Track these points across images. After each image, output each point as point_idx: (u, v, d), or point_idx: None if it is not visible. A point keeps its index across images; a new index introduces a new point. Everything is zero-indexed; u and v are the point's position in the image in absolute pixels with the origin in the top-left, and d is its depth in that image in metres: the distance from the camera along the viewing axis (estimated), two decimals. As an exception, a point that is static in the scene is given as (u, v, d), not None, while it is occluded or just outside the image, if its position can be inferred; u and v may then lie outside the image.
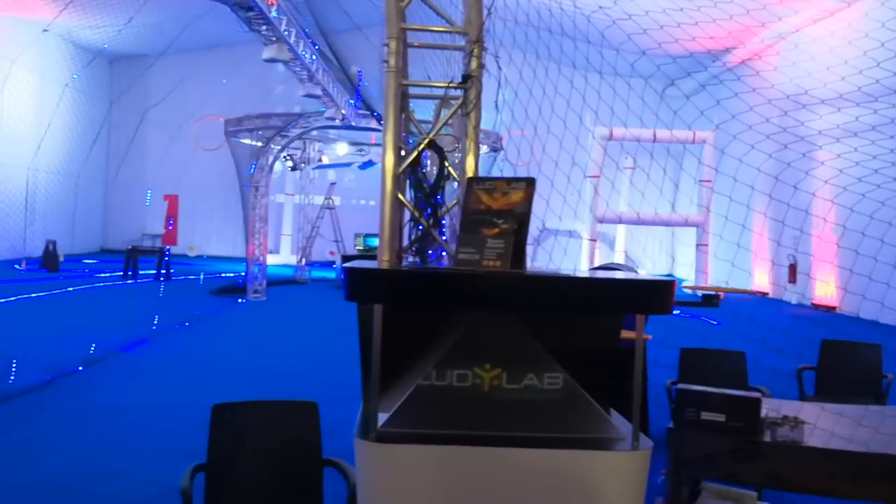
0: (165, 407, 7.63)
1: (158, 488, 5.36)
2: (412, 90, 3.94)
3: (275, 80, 27.57)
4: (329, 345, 11.80)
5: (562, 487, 2.73)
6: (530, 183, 2.99)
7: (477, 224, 3.03)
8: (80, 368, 9.05)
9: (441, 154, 3.57)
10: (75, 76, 25.85)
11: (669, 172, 26.42)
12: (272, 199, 21.64)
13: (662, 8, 5.24)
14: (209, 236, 31.74)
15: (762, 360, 6.66)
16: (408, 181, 3.67)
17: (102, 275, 20.67)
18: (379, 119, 18.79)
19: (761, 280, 22.09)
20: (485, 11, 3.53)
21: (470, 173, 3.50)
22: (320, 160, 25.63)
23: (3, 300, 14.30)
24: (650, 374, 5.96)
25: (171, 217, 30.45)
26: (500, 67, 3.82)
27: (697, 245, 23.44)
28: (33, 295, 15.60)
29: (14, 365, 8.15)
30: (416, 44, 3.86)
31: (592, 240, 23.47)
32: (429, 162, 3.96)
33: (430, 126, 3.77)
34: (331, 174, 27.13)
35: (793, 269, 19.98)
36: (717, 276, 22.28)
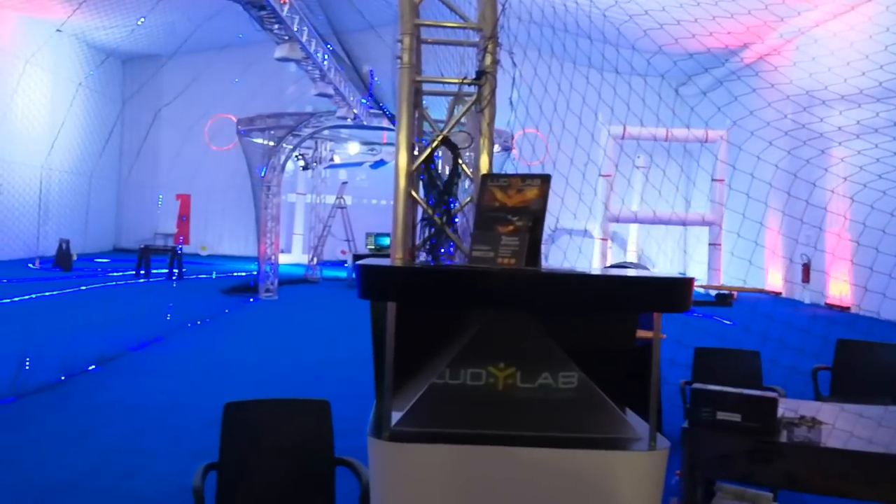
0: (178, 405, 7.64)
1: (171, 486, 5.36)
2: (426, 87, 3.91)
3: (287, 80, 27.60)
4: (341, 344, 11.80)
5: (577, 488, 2.70)
6: (545, 180, 2.96)
7: (491, 221, 3.00)
8: (94, 367, 9.08)
9: (455, 151, 3.54)
10: (91, 73, 25.96)
11: (683, 171, 26.30)
12: (284, 199, 21.67)
13: (679, 3, 5.19)
14: (221, 236, 31.81)
15: (776, 359, 6.59)
16: (420, 179, 3.64)
17: (115, 274, 20.76)
18: (391, 118, 18.79)
19: (774, 279, 21.96)
20: (499, 7, 3.50)
21: (484, 171, 3.47)
22: (332, 159, 25.65)
23: (17, 299, 14.38)
24: (664, 373, 5.91)
25: (184, 215, 30.57)
26: (514, 64, 3.79)
27: (710, 244, 23.32)
28: (47, 294, 15.68)
29: (28, 363, 8.18)
30: (430, 40, 3.84)
31: (604, 239, 23.38)
32: (440, 162, 3.94)
33: (443, 125, 3.75)
34: (342, 174, 27.13)
35: (806, 268, 19.85)
36: (730, 275, 22.16)
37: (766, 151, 6.12)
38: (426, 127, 3.95)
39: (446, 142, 3.54)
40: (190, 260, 24.66)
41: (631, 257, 27.49)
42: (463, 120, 3.88)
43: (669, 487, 4.13)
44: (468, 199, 3.60)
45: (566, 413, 2.82)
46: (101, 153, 27.18)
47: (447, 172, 3.62)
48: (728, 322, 15.09)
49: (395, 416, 2.78)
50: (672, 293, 2.83)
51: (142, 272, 20.30)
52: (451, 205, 3.58)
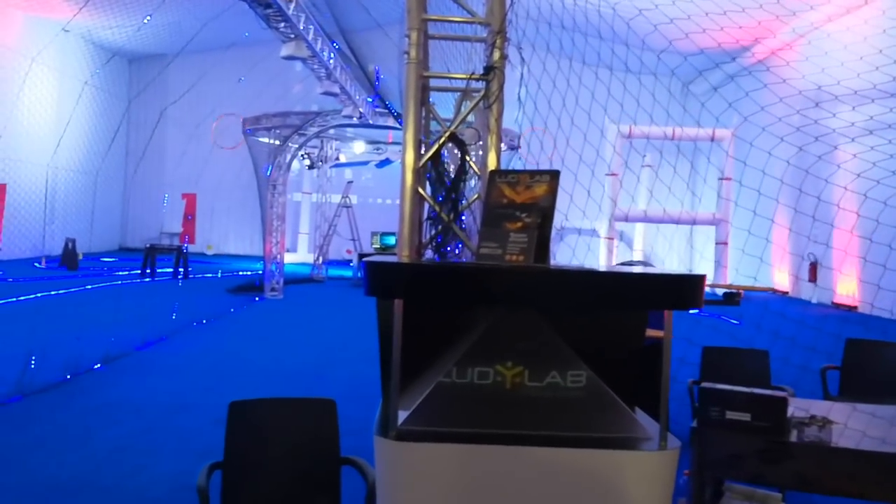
0: (183, 404, 7.63)
1: (176, 485, 5.35)
2: (433, 82, 3.87)
3: (293, 79, 27.56)
4: (347, 343, 11.78)
5: (586, 487, 2.66)
6: (554, 176, 2.92)
7: (499, 218, 2.96)
8: (99, 366, 9.08)
9: (462, 147, 3.50)
10: (97, 72, 26.00)
11: (690, 170, 26.21)
12: (289, 198, 21.67)
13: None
14: (227, 235, 31.84)
15: (784, 358, 6.55)
16: (426, 176, 3.61)
17: (121, 273, 20.80)
18: (397, 117, 18.77)
19: (781, 279, 21.88)
20: (507, 2, 3.46)
21: (492, 167, 3.44)
22: (338, 158, 25.65)
23: (23, 297, 14.40)
24: (672, 371, 5.86)
25: (190, 215, 30.60)
26: (523, 59, 3.75)
27: (718, 243, 23.24)
28: (53, 293, 15.70)
29: (34, 362, 8.17)
30: (437, 35, 3.81)
31: (610, 238, 23.31)
32: (447, 162, 3.90)
33: (450, 123, 3.71)
34: (348, 173, 27.11)
35: (813, 267, 19.76)
36: (737, 274, 22.07)
37: (776, 148, 6.07)
38: (434, 126, 3.91)
39: (454, 138, 3.50)
40: (195, 259, 24.68)
41: (637, 256, 27.42)
42: (470, 117, 3.84)
43: (678, 487, 4.08)
44: (475, 196, 3.56)
45: (575, 412, 2.78)
46: (106, 152, 27.23)
47: (454, 170, 3.59)
48: (735, 321, 15.01)
49: (402, 415, 2.74)
50: (683, 290, 2.79)
51: (147, 271, 20.33)
52: (459, 202, 3.55)
